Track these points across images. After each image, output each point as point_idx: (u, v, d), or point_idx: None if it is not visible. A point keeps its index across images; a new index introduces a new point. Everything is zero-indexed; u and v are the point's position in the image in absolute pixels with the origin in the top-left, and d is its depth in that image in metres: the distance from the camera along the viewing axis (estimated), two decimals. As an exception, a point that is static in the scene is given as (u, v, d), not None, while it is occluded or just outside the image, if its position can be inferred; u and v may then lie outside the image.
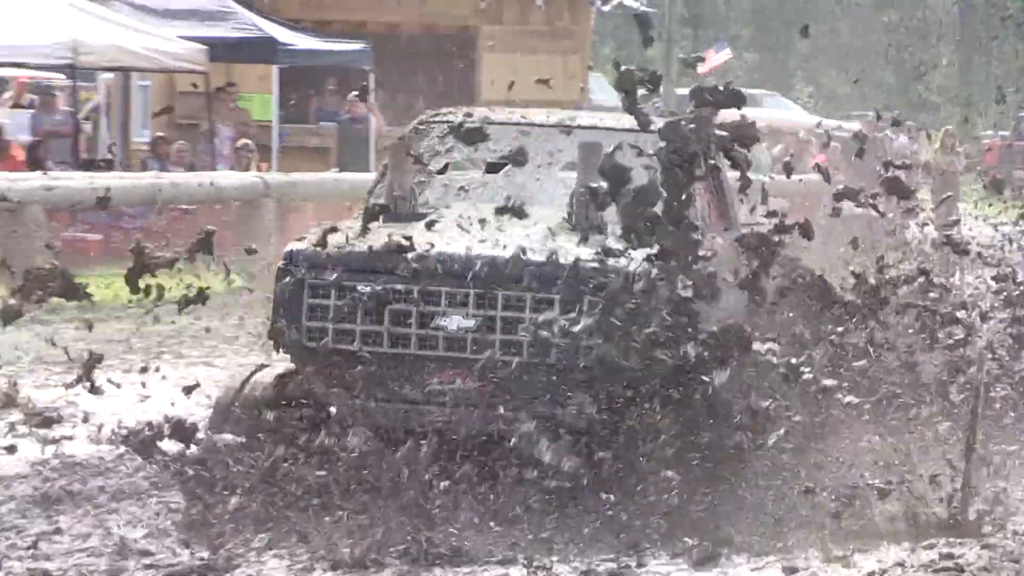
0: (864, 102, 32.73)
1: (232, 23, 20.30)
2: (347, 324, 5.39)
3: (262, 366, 5.99)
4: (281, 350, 5.63)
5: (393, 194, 6.04)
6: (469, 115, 6.57)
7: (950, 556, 4.70)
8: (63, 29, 17.27)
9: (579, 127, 6.58)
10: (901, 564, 4.66)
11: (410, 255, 5.33)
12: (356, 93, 19.54)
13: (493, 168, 5.99)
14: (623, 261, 5.30)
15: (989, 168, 24.74)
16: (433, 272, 5.35)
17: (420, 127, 6.68)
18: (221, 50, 19.05)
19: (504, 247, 5.41)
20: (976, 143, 31.05)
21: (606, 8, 28.63)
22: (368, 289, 5.32)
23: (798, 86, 52.08)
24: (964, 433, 5.30)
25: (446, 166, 6.26)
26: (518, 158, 5.86)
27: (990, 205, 10.29)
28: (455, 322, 5.34)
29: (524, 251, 5.35)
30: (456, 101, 13.58)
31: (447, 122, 6.44)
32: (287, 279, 5.52)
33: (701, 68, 22.97)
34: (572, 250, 5.38)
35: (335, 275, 5.44)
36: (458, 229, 5.70)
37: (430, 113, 7.04)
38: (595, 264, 5.28)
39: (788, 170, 8.85)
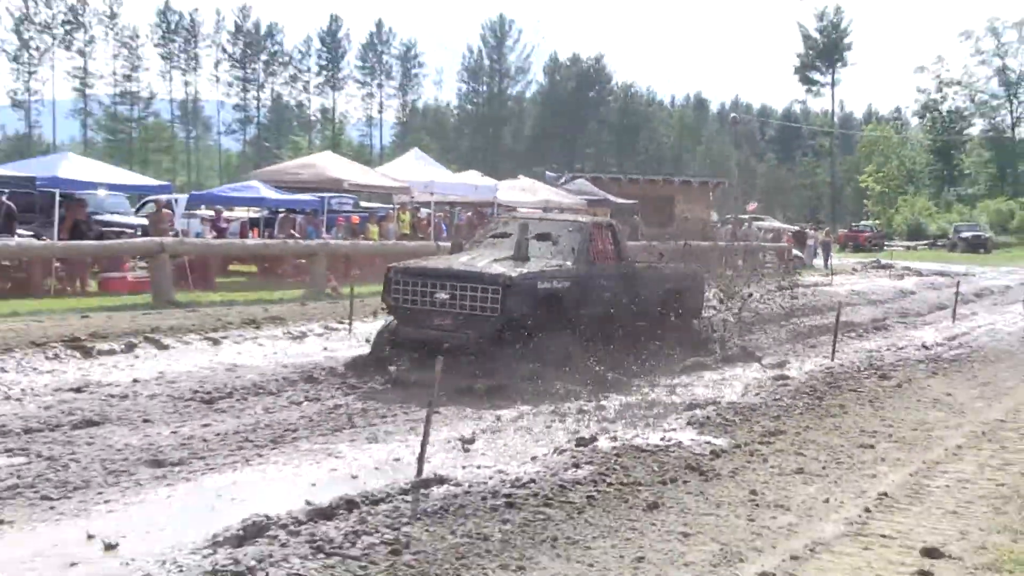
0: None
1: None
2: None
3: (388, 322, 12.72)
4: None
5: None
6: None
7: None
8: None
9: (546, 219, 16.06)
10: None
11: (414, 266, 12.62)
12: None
13: (502, 236, 13.45)
14: (505, 270, 11.74)
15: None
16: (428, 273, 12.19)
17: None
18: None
19: (462, 265, 12.23)
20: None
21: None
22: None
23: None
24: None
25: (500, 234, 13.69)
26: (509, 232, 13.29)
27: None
28: (440, 296, 11.85)
29: (455, 265, 12.25)
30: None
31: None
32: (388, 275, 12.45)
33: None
34: (493, 266, 11.98)
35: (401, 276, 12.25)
36: (462, 257, 12.90)
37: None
38: (487, 271, 11.83)
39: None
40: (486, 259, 12.47)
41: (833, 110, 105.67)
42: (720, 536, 6.10)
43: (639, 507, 6.64)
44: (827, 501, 6.99)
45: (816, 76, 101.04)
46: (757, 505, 6.83)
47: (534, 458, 7.96)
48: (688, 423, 9.35)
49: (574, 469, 7.49)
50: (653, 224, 38.86)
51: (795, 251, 41.48)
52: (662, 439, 8.51)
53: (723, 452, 8.24)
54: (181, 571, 5.23)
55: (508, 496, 6.71)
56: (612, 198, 38.68)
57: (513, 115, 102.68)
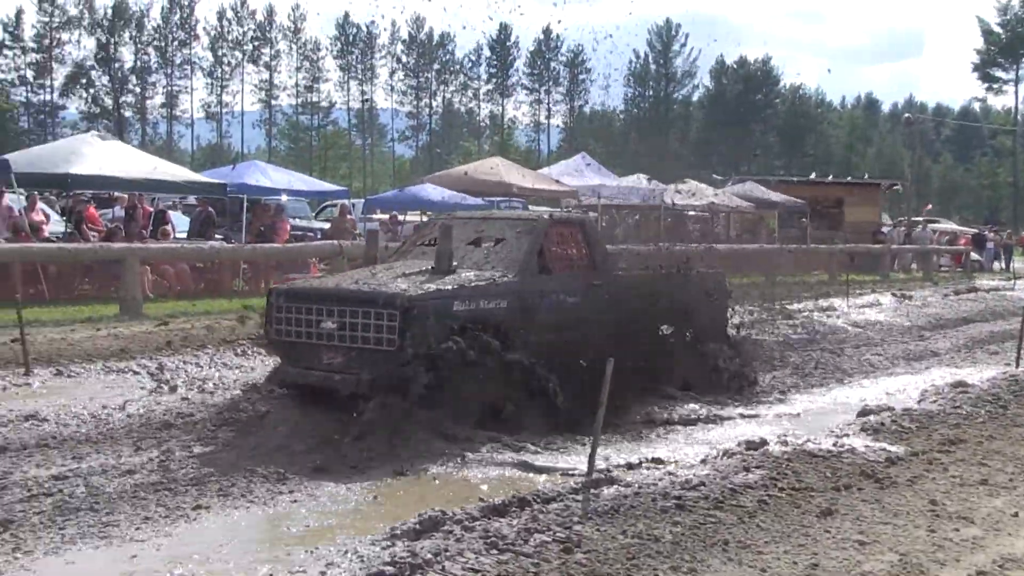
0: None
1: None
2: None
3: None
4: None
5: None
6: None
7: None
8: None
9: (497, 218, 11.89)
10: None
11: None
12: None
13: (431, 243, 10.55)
14: (408, 287, 8.85)
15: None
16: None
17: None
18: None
19: (355, 282, 9.30)
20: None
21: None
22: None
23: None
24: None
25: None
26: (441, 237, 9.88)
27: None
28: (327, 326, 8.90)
29: (345, 284, 9.35)
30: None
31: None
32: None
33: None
34: (394, 283, 9.03)
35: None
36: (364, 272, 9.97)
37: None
38: (381, 289, 8.91)
39: None
40: (393, 273, 9.57)
41: (1016, 107, 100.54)
42: (899, 546, 5.83)
43: (812, 513, 6.41)
44: (1016, 515, 6.58)
45: (998, 73, 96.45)
46: (938, 516, 6.48)
47: (703, 461, 7.82)
48: (862, 429, 8.99)
49: (744, 473, 7.31)
50: (822, 226, 37.85)
51: (973, 254, 40.02)
52: (835, 444, 8.19)
53: (899, 459, 7.86)
54: (362, 560, 5.34)
55: (678, 498, 6.59)
56: (780, 199, 37.76)
57: (679, 119, 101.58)
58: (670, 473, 7.33)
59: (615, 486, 6.87)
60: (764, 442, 8.27)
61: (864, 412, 9.88)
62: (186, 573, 5.52)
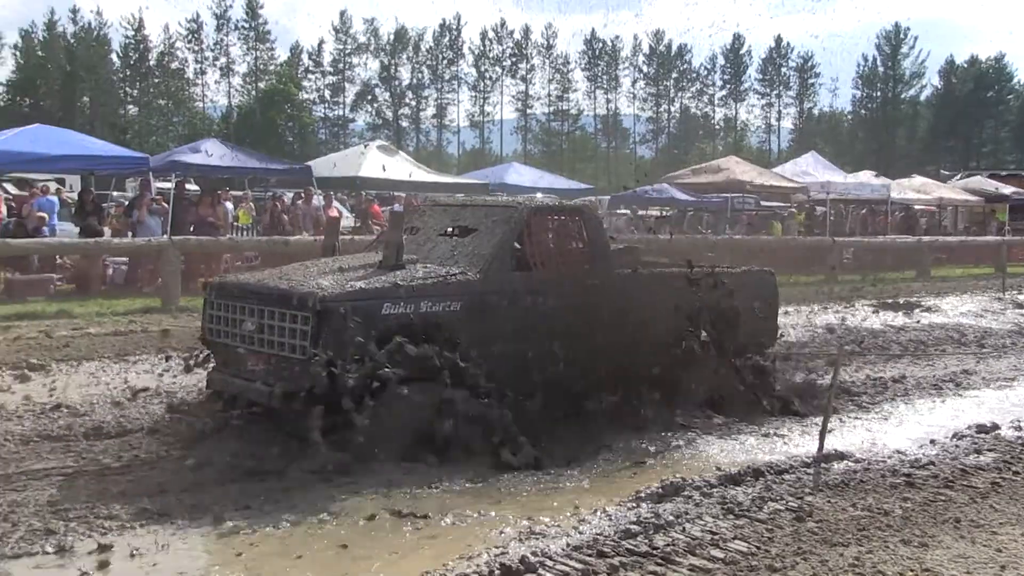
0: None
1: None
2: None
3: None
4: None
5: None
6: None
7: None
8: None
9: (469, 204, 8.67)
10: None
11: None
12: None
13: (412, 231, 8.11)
14: (330, 285, 6.60)
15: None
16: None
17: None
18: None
19: (278, 278, 7.07)
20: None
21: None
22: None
23: None
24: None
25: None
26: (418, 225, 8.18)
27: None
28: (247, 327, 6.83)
29: (267, 279, 7.11)
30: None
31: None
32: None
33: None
34: (315, 279, 6.73)
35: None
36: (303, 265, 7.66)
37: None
38: (297, 287, 6.63)
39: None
40: (328, 267, 7.32)
41: None
42: None
43: (1049, 498, 5.89)
44: None
45: None
46: None
47: (933, 441, 7.35)
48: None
49: (976, 455, 6.84)
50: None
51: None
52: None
53: None
54: (610, 519, 5.34)
55: (908, 476, 6.25)
56: (1011, 192, 34.85)
57: (907, 118, 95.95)
58: (899, 452, 6.95)
59: (845, 461, 6.58)
60: (996, 426, 7.69)
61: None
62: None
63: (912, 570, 4.64)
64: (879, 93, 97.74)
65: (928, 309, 17.08)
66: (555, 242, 7.76)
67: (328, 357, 6.22)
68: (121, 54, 73.80)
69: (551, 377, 7.10)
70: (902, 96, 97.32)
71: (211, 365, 7.53)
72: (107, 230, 18.25)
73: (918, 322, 15.23)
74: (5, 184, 24.52)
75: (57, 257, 17.14)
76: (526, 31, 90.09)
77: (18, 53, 68.53)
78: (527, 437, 6.69)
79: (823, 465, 6.43)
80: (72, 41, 69.72)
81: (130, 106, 74.05)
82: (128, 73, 74.04)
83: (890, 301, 17.74)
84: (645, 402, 7.57)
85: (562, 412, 7.19)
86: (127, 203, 21.08)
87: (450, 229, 7.95)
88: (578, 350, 7.20)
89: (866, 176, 32.77)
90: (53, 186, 21.75)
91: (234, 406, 7.23)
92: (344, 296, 6.45)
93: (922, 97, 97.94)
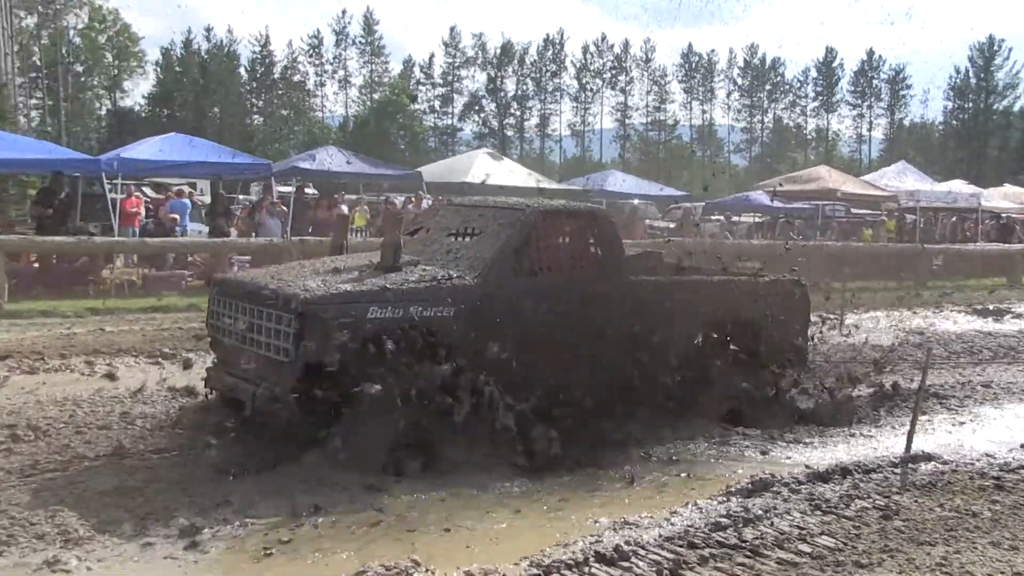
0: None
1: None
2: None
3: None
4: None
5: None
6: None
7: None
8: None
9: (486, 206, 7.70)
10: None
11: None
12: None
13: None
14: (316, 286, 6.14)
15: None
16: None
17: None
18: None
19: (270, 277, 6.63)
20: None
21: None
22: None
23: None
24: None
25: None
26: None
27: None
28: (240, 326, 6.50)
29: (260, 278, 6.67)
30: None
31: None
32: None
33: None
34: (303, 281, 6.28)
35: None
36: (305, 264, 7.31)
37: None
38: (284, 288, 6.18)
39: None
40: (321, 267, 6.90)
41: None
42: None
43: None
44: None
45: None
46: None
47: (1022, 446, 7.03)
48: None
49: (1068, 462, 6.51)
50: None
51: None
52: None
53: None
54: (701, 511, 5.27)
55: (997, 479, 5.99)
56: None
57: (999, 128, 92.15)
58: (988, 455, 6.67)
59: (933, 462, 6.35)
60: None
61: None
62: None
63: (1002, 572, 4.45)
64: (971, 104, 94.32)
65: (1019, 316, 16.36)
66: (564, 247, 7.19)
67: (309, 360, 5.83)
68: (248, 68, 75.87)
69: (553, 386, 6.60)
70: (995, 107, 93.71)
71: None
72: (233, 231, 18.81)
73: (1008, 328, 14.61)
74: (144, 188, 25.52)
75: (188, 255, 17.76)
76: (625, 45, 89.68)
77: (158, 69, 71.17)
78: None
79: (910, 465, 6.22)
80: (206, 57, 71.96)
81: (255, 116, 76.07)
82: (254, 85, 76.04)
83: (979, 307, 17.06)
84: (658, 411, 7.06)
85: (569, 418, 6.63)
86: (250, 205, 21.72)
87: (456, 231, 7.49)
88: (579, 360, 6.73)
89: (956, 184, 31.61)
90: (186, 190, 22.53)
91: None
92: (328, 299, 5.99)
93: (1015, 108, 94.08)
